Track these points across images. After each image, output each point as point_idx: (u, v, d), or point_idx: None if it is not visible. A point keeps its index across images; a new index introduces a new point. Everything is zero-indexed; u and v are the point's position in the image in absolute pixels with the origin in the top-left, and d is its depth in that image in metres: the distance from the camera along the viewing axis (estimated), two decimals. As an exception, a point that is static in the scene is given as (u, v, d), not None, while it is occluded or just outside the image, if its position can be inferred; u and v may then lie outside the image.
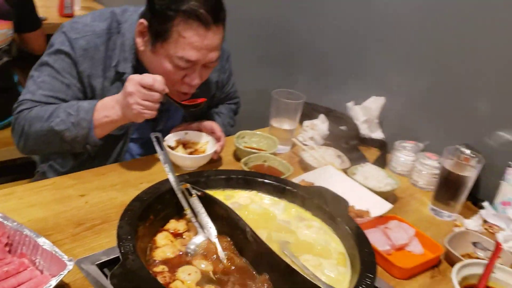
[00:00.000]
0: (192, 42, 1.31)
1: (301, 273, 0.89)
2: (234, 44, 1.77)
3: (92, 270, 0.99)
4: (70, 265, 0.89)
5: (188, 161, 1.42)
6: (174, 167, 1.14)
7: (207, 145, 1.51)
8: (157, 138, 1.17)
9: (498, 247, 1.09)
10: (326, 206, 1.12)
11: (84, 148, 1.37)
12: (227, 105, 1.83)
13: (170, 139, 1.48)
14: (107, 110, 1.32)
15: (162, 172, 1.36)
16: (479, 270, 1.07)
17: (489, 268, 1.06)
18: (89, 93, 1.43)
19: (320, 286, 0.87)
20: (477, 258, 1.21)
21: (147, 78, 1.26)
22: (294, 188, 1.18)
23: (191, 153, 1.48)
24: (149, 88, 1.25)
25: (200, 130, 1.54)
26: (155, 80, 1.26)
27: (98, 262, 1.01)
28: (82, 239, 1.08)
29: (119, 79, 1.42)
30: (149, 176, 1.37)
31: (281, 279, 0.92)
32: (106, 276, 0.98)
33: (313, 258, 1.00)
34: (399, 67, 1.78)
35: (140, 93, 1.25)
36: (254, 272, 0.95)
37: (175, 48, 1.32)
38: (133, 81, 1.26)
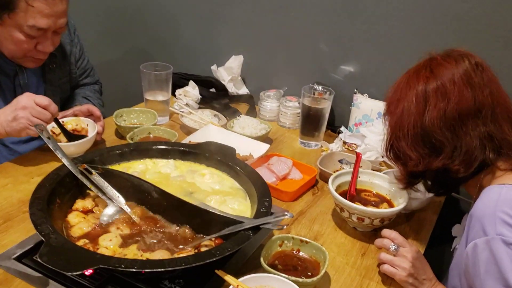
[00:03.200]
0: (42, 10, 1.33)
1: (212, 211, 1.03)
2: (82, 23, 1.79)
3: (11, 264, 1.01)
4: (-9, 261, 0.90)
5: (72, 148, 1.43)
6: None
7: (87, 128, 1.53)
8: (41, 129, 1.19)
9: (358, 157, 1.34)
10: (216, 156, 1.26)
11: None
12: (90, 87, 1.84)
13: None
14: None
15: (49, 164, 1.39)
16: (348, 178, 1.31)
17: (355, 174, 1.30)
18: None
19: (231, 217, 1.02)
20: (345, 171, 1.47)
21: (43, 98, 1.29)
22: (184, 147, 1.29)
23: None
24: (43, 107, 1.28)
25: (76, 115, 1.55)
26: (51, 102, 1.30)
27: (14, 256, 1.03)
28: (-11, 240, 1.08)
29: None
30: (38, 170, 1.37)
31: (197, 223, 1.04)
32: (26, 265, 1.01)
33: (216, 198, 1.14)
34: (251, 25, 1.95)
35: (34, 110, 1.26)
36: (169, 223, 1.07)
37: (25, 17, 1.33)
38: (29, 97, 1.27)
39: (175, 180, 1.21)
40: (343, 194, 1.25)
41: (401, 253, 1.07)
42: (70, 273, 0.82)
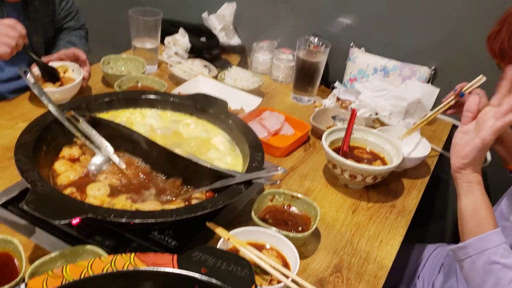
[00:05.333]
0: None
1: (203, 164, 1.00)
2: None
3: (-3, 211, 0.98)
4: (-26, 208, 0.88)
5: (57, 94, 1.37)
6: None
7: (72, 74, 1.47)
8: (25, 72, 1.13)
9: (353, 113, 1.31)
10: (208, 108, 1.22)
11: None
12: (75, 32, 1.76)
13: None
14: None
15: (35, 111, 1.34)
16: (341, 134, 1.29)
17: (348, 130, 1.28)
18: None
19: (222, 171, 0.99)
20: (337, 127, 1.44)
21: (8, 19, 1.26)
22: (175, 98, 1.25)
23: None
24: (11, 26, 1.24)
25: (61, 59, 1.48)
26: (17, 22, 1.27)
27: (0, 203, 1.00)
28: (-28, 187, 1.05)
29: None
30: (23, 116, 1.32)
31: (188, 175, 1.02)
32: (12, 212, 0.98)
33: (206, 151, 1.11)
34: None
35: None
36: (159, 175, 1.04)
37: None
38: None
39: (164, 131, 1.18)
40: (336, 151, 1.23)
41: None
42: (57, 222, 0.80)
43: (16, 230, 0.95)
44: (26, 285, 0.67)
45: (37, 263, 0.80)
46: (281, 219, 1.06)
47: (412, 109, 1.52)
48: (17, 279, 0.77)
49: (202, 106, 1.22)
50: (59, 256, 0.83)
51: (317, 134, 1.42)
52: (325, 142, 1.22)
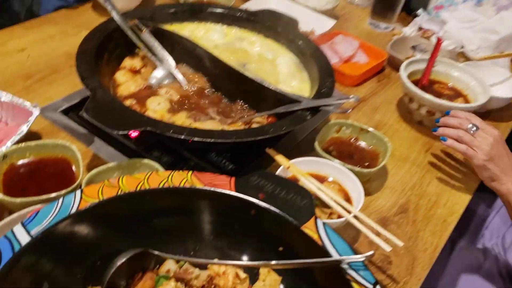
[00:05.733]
0: None
1: (268, 86, 0.93)
2: None
3: (58, 117, 0.98)
4: (36, 111, 0.87)
5: (120, 3, 1.31)
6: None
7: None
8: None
9: (438, 43, 1.17)
10: (276, 27, 1.13)
11: None
12: None
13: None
14: None
15: (99, 19, 1.30)
16: (421, 66, 1.17)
17: (431, 61, 1.15)
18: None
19: (288, 95, 0.92)
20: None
21: None
22: (242, 13, 1.16)
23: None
24: None
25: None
26: None
27: (61, 109, 0.99)
28: (35, 90, 1.04)
29: None
30: (88, 24, 1.26)
31: (250, 97, 0.96)
32: (72, 120, 0.98)
33: (271, 73, 1.04)
34: None
35: None
36: (220, 94, 0.99)
37: None
38: None
39: (228, 47, 1.11)
40: (414, 84, 1.12)
41: (481, 134, 0.93)
42: (115, 132, 0.77)
43: (76, 137, 0.94)
44: (82, 191, 0.66)
45: (94, 171, 0.79)
46: (346, 152, 0.99)
47: (505, 44, 1.34)
48: (74, 185, 0.76)
49: (270, 24, 1.13)
50: (116, 167, 0.82)
51: (394, 64, 1.30)
52: (403, 72, 1.11)
